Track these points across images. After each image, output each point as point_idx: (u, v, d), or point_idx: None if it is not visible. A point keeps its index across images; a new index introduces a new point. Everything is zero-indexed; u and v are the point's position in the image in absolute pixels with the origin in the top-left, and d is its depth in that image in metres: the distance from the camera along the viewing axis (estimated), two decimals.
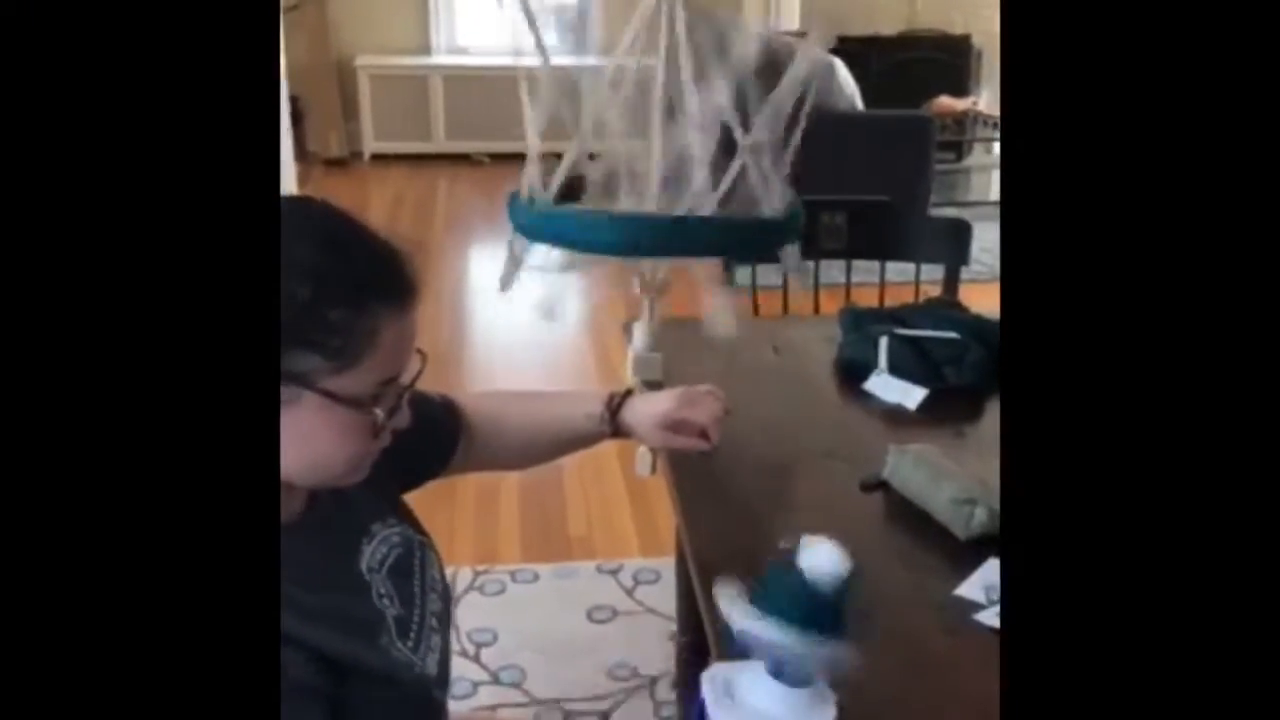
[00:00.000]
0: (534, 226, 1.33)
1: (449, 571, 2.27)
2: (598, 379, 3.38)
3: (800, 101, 1.36)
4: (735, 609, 0.82)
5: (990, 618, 1.03)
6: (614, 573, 2.32)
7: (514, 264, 1.34)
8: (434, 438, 1.11)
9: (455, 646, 2.05)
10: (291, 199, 0.81)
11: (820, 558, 0.81)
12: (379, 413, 0.81)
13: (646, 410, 1.18)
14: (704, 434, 1.20)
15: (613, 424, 1.18)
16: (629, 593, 2.25)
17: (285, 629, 0.74)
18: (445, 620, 0.98)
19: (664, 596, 2.15)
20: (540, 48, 1.44)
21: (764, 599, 0.82)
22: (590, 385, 3.36)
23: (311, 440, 0.79)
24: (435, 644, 0.94)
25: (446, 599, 1.00)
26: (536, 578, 2.30)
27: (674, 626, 1.97)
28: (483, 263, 4.50)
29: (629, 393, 1.20)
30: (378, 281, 0.80)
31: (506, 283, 1.45)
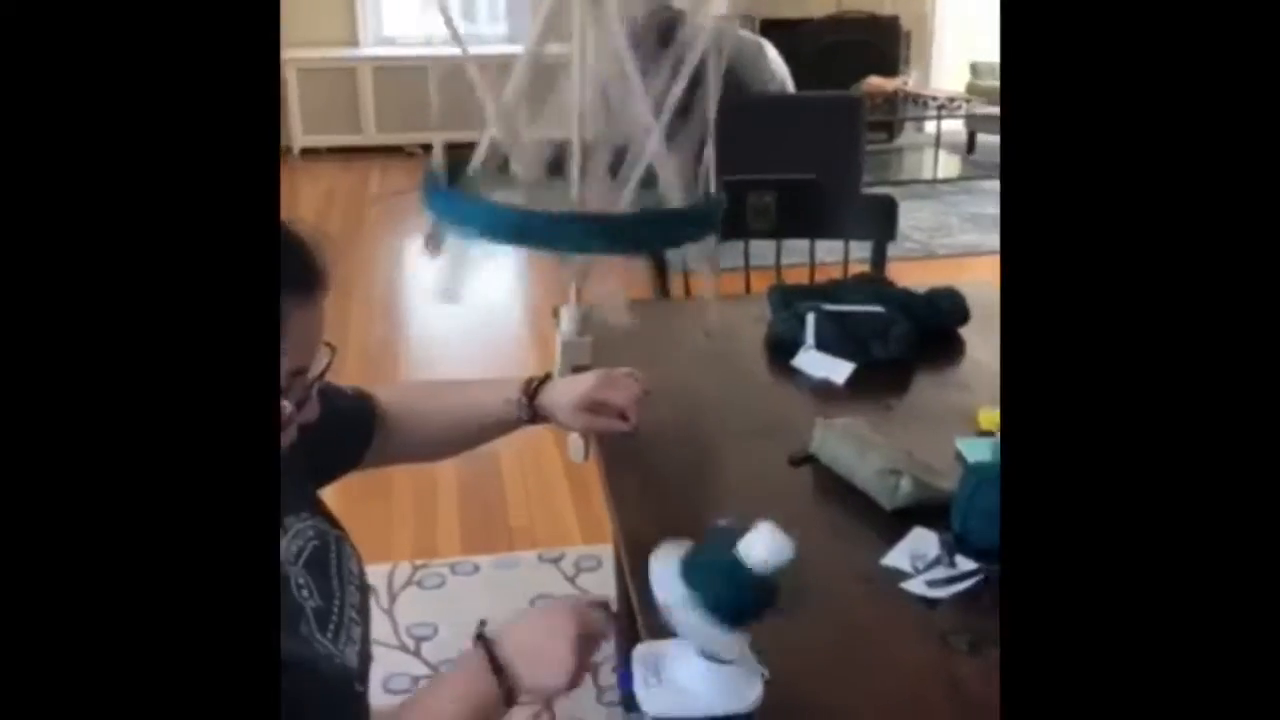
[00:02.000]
0: (450, 215, 1.31)
1: (387, 567, 2.25)
2: (538, 369, 3.36)
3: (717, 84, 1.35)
4: (667, 588, 0.82)
5: (917, 586, 1.04)
6: (555, 561, 2.31)
7: (435, 237, 1.31)
8: (347, 430, 1.09)
9: (394, 641, 2.02)
10: None
11: (762, 547, 0.80)
12: (287, 405, 0.80)
13: (564, 393, 1.17)
14: (624, 415, 1.19)
15: (530, 408, 1.17)
16: (571, 580, 2.25)
17: None
18: (364, 613, 0.97)
19: (606, 583, 2.15)
20: (455, 36, 1.41)
21: (697, 580, 0.81)
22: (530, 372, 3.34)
23: None
24: (355, 635, 0.93)
25: (364, 591, 0.99)
26: (477, 569, 2.28)
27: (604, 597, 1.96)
28: (417, 255, 4.45)
29: (547, 377, 1.19)
30: (284, 271, 0.78)
31: (433, 250, 1.42)
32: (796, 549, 0.81)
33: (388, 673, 1.92)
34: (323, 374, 0.84)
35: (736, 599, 0.79)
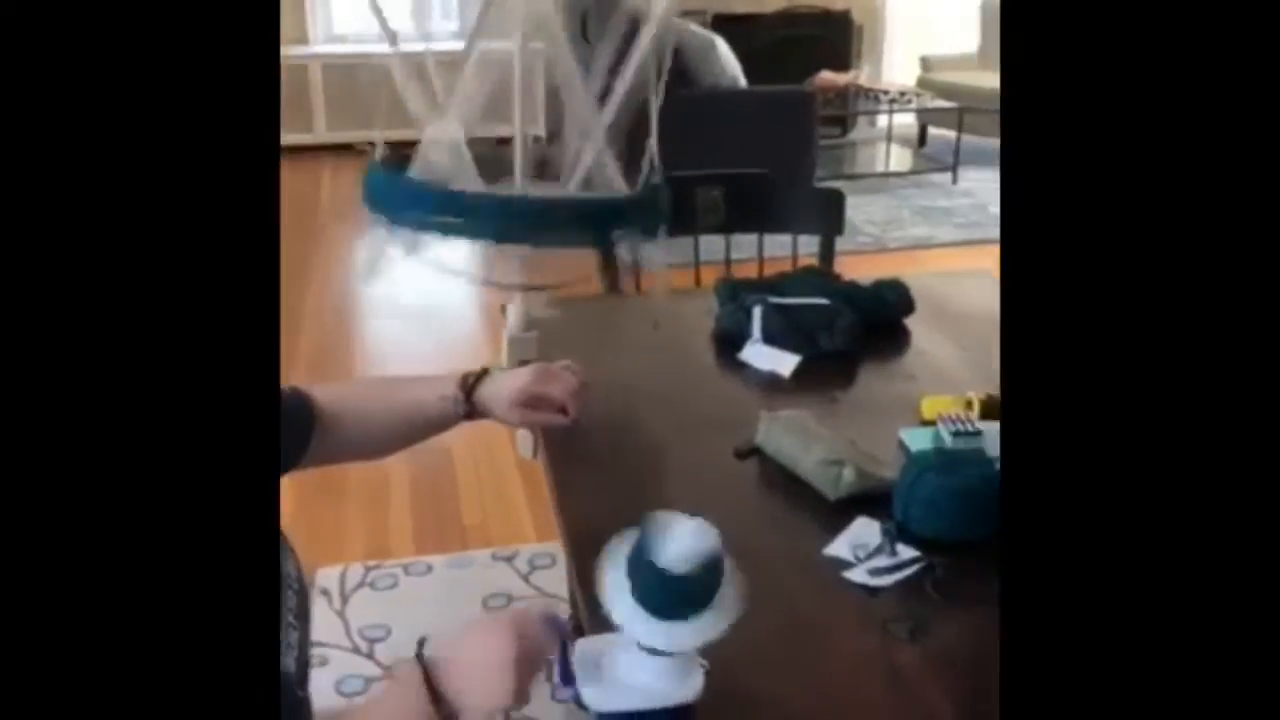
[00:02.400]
0: (388, 202, 1.30)
1: (339, 569, 2.23)
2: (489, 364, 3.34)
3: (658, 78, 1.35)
4: (606, 580, 0.82)
5: (859, 575, 1.04)
6: (509, 559, 2.30)
7: (372, 260, 1.30)
8: (285, 430, 1.08)
9: (346, 643, 2.01)
10: None
11: (676, 545, 0.79)
12: None
13: (501, 389, 1.16)
14: (563, 409, 1.18)
15: (468, 404, 1.16)
16: (525, 578, 2.24)
17: None
18: (303, 617, 0.96)
19: (561, 580, 2.14)
20: (386, 32, 1.40)
21: (630, 572, 0.81)
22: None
23: None
24: (293, 640, 0.91)
25: (303, 595, 0.97)
26: (430, 569, 2.26)
27: (560, 605, 1.96)
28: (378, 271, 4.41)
29: (484, 372, 1.18)
30: None
31: (370, 270, 1.41)
32: (716, 547, 0.80)
33: (340, 675, 1.90)
34: None
35: (657, 594, 0.79)
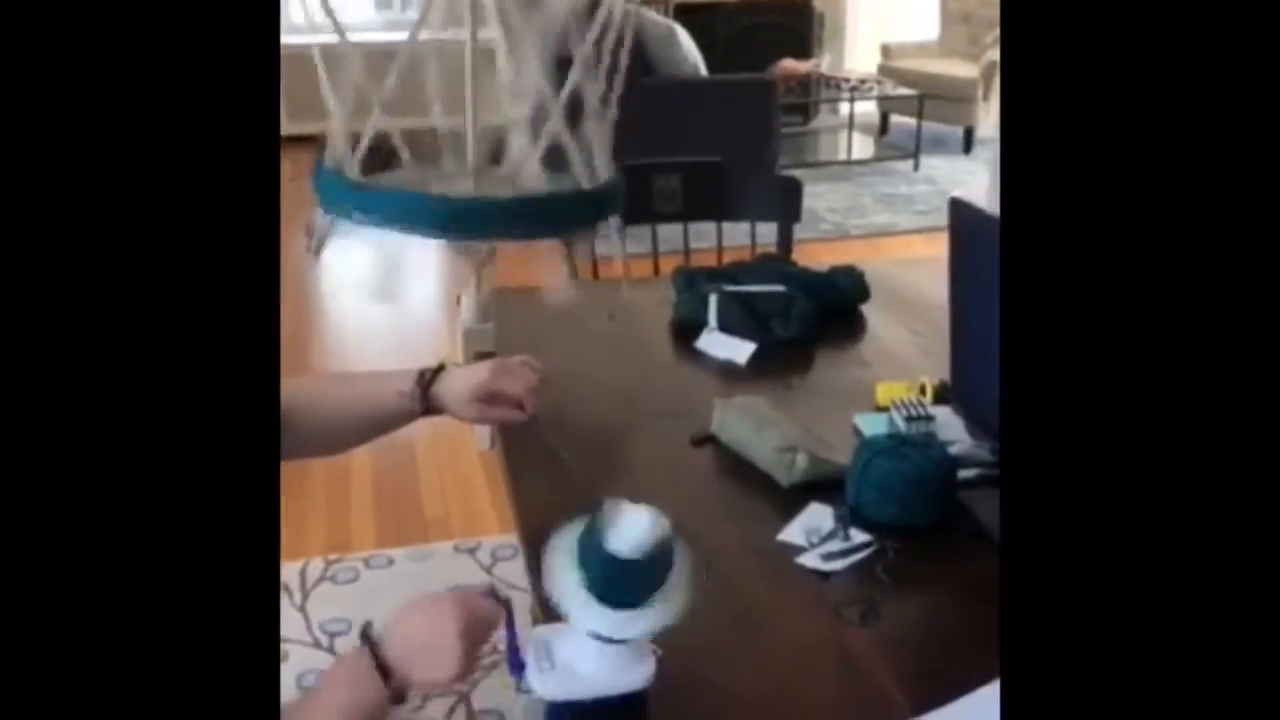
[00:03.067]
0: (343, 202, 1.29)
1: (300, 564, 2.22)
2: (450, 355, 3.33)
3: (615, 65, 1.35)
4: (554, 568, 0.82)
5: (812, 560, 1.05)
6: (472, 551, 2.29)
7: (321, 237, 1.29)
8: None
9: (307, 638, 1.99)
10: None
11: (625, 531, 0.80)
12: None
13: (458, 384, 1.15)
14: (520, 405, 1.18)
15: (424, 400, 1.15)
16: (488, 570, 2.23)
17: None
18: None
19: (524, 572, 2.14)
20: (335, 24, 1.38)
21: (580, 560, 0.81)
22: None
23: None
24: None
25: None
26: (391, 562, 2.25)
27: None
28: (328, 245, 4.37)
29: (441, 368, 1.17)
30: None
31: (318, 251, 1.40)
32: (666, 534, 0.80)
33: (301, 669, 1.89)
34: None
35: (606, 582, 0.79)
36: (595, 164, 1.34)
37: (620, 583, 0.79)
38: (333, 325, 3.66)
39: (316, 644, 1.98)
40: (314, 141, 5.90)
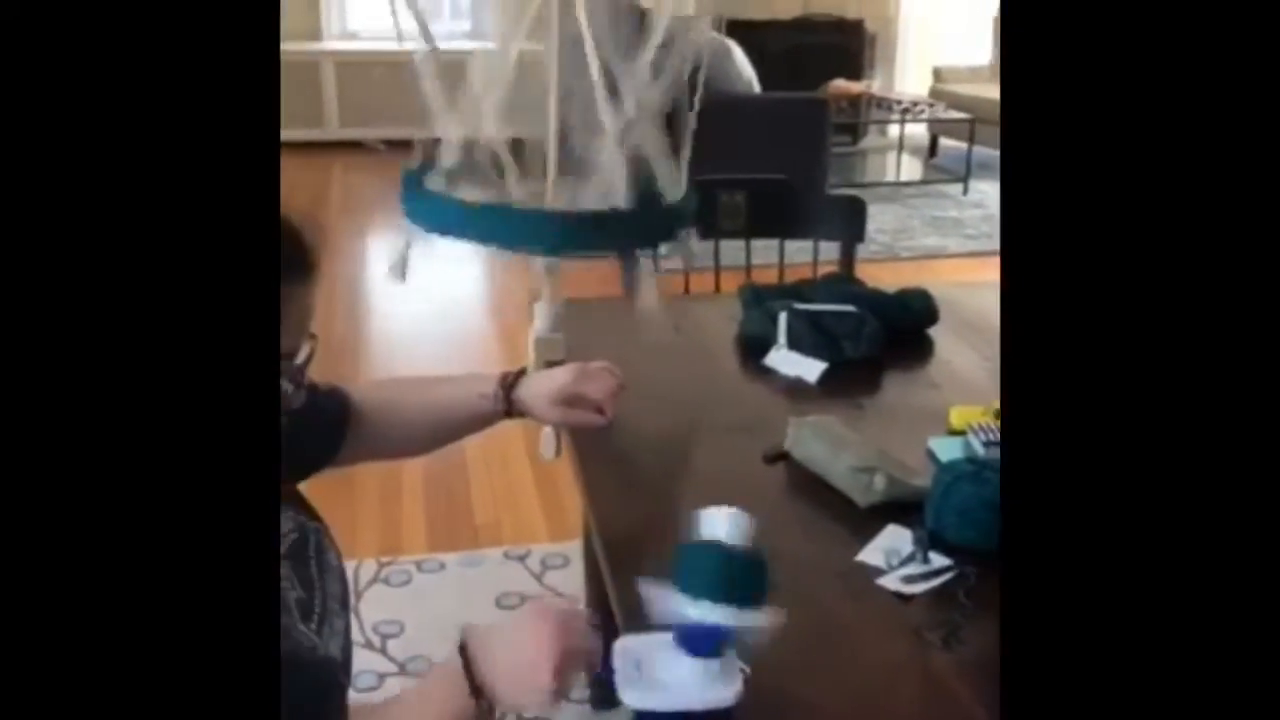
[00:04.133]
0: (434, 218, 1.30)
1: (352, 565, 2.23)
2: (502, 364, 3.35)
3: (693, 83, 1.36)
4: (658, 599, 0.82)
5: (892, 582, 1.05)
6: (522, 559, 2.30)
7: (403, 258, 1.30)
8: (323, 425, 1.08)
9: (360, 639, 2.01)
10: None
11: (719, 523, 0.82)
12: (287, 386, 0.81)
13: (541, 387, 1.17)
14: (600, 409, 1.19)
15: (507, 402, 1.17)
16: (538, 578, 2.24)
17: None
18: (345, 605, 0.96)
19: (573, 581, 2.15)
20: (425, 32, 1.40)
21: (682, 579, 0.82)
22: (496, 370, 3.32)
23: None
24: (338, 628, 0.92)
25: (344, 584, 0.98)
26: (443, 567, 2.27)
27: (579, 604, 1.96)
28: (380, 251, 4.42)
29: (523, 371, 1.19)
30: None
31: (399, 271, 1.42)
32: (754, 525, 0.83)
33: (354, 669, 1.90)
34: (309, 359, 0.84)
35: (713, 573, 0.80)
36: (677, 178, 1.36)
37: (738, 573, 0.80)
38: (383, 330, 3.69)
39: (369, 645, 2.00)
40: (363, 146, 5.95)
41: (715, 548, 0.81)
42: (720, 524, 0.82)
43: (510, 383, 1.17)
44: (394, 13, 1.39)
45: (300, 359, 0.83)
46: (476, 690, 0.83)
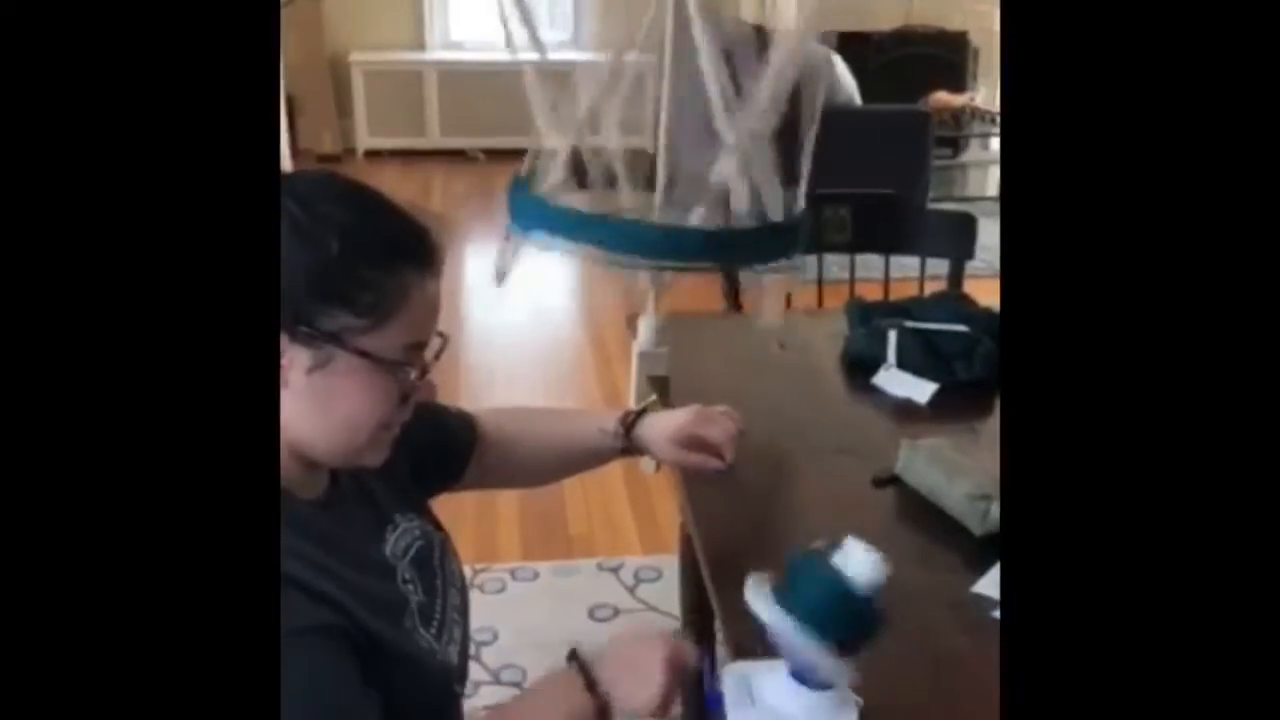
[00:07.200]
0: (544, 224, 1.30)
1: None
2: (596, 378, 3.36)
3: (797, 98, 1.35)
4: (766, 607, 0.81)
5: None
6: (615, 570, 2.30)
7: (505, 263, 1.31)
8: (449, 447, 1.11)
9: None
10: (315, 171, 0.85)
11: (858, 563, 0.79)
12: (410, 371, 0.83)
13: (661, 426, 1.16)
14: (719, 453, 1.17)
15: (627, 439, 1.17)
16: (630, 591, 2.23)
17: (332, 596, 0.78)
18: (465, 614, 0.98)
19: (666, 594, 2.13)
20: (536, 42, 1.41)
21: (794, 598, 0.80)
22: (590, 382, 3.33)
23: (341, 402, 0.81)
24: (456, 635, 0.95)
25: (465, 594, 1.00)
26: (537, 576, 2.27)
27: (677, 624, 1.94)
28: (478, 260, 4.47)
29: (644, 411, 1.18)
30: (406, 242, 0.83)
31: (501, 277, 1.43)
32: (889, 568, 0.79)
33: None
34: (439, 354, 0.86)
35: (845, 619, 0.77)
36: (792, 196, 1.34)
37: (852, 621, 0.78)
38: (475, 342, 3.73)
39: None
40: (464, 155, 6.04)
41: (842, 584, 0.78)
42: (857, 562, 0.79)
43: (631, 421, 1.17)
44: (504, 20, 1.40)
45: (429, 353, 0.85)
46: (593, 687, 0.85)
